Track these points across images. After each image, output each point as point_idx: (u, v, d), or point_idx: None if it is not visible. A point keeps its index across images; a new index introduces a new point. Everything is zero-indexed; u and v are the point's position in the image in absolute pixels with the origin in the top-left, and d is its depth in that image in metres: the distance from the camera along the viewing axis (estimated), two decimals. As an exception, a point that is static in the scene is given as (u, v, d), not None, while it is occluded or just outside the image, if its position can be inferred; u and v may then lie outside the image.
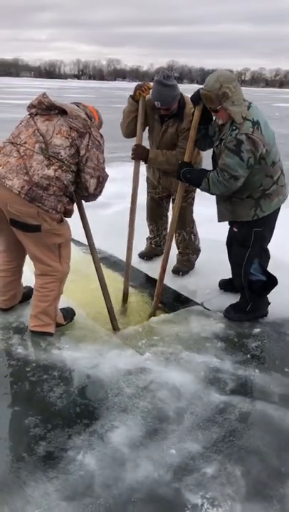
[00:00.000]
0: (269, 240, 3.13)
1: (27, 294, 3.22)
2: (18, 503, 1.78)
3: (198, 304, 3.43)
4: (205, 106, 2.88)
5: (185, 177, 3.02)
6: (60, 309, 3.04)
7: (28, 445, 2.06)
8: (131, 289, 3.57)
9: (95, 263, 3.02)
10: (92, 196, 2.74)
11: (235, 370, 2.65)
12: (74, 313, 3.15)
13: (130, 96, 3.30)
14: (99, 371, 2.57)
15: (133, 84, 4.31)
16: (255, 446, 2.12)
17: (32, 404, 2.32)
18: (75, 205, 2.82)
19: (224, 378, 2.57)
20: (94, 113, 2.77)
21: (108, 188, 7.29)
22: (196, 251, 3.87)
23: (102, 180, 2.68)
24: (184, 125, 3.25)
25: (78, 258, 3.88)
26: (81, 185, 2.68)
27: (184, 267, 3.85)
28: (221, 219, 3.11)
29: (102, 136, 2.70)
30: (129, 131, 3.39)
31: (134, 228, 3.44)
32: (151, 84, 3.23)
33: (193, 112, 2.99)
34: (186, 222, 3.71)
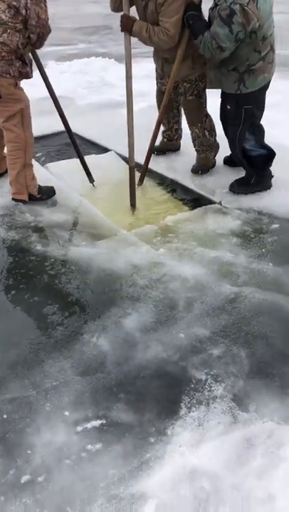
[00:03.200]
0: (260, 117, 3.22)
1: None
2: (38, 377, 1.96)
3: (216, 202, 3.38)
4: None
5: (188, 22, 2.93)
6: (42, 185, 3.34)
7: (46, 330, 2.21)
8: (148, 188, 3.58)
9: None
10: (36, 47, 3.01)
11: (249, 264, 2.68)
12: (53, 193, 3.39)
13: None
14: (114, 265, 2.65)
15: None
16: (262, 332, 2.20)
17: (50, 294, 2.45)
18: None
19: (237, 271, 2.61)
20: None
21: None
22: (214, 147, 3.68)
23: (42, 35, 2.90)
24: None
25: (113, 167, 3.94)
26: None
27: (203, 165, 3.73)
28: (209, 86, 3.25)
29: None
30: (114, 2, 3.10)
31: (132, 103, 3.33)
32: None
33: None
34: (196, 118, 3.50)
